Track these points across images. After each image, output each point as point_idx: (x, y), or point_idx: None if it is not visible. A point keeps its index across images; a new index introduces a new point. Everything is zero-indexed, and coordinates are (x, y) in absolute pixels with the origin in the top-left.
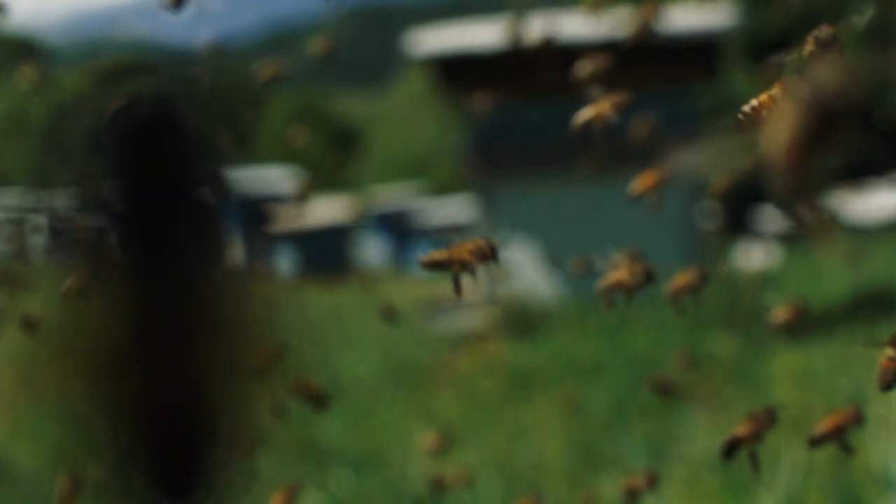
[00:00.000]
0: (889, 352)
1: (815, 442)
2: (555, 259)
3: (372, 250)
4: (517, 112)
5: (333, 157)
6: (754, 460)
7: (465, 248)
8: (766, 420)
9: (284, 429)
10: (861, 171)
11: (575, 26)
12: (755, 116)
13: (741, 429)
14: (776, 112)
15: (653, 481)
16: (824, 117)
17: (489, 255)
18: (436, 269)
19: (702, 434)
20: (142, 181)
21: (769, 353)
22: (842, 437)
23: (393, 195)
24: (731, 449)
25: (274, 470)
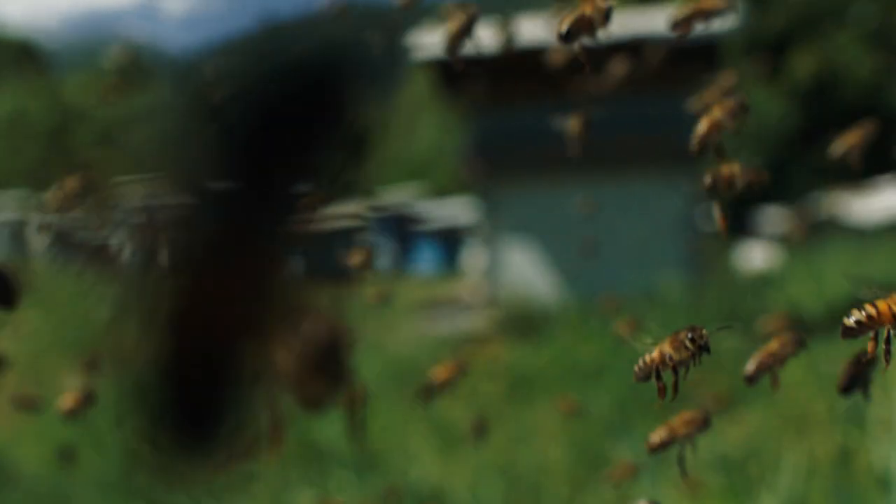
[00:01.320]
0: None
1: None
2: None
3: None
4: (518, 114)
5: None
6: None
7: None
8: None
9: (285, 431)
10: (861, 172)
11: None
12: (648, 369)
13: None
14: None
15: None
16: (318, 355)
17: (703, 424)
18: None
19: (703, 436)
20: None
21: None
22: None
23: (394, 197)
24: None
25: (274, 471)
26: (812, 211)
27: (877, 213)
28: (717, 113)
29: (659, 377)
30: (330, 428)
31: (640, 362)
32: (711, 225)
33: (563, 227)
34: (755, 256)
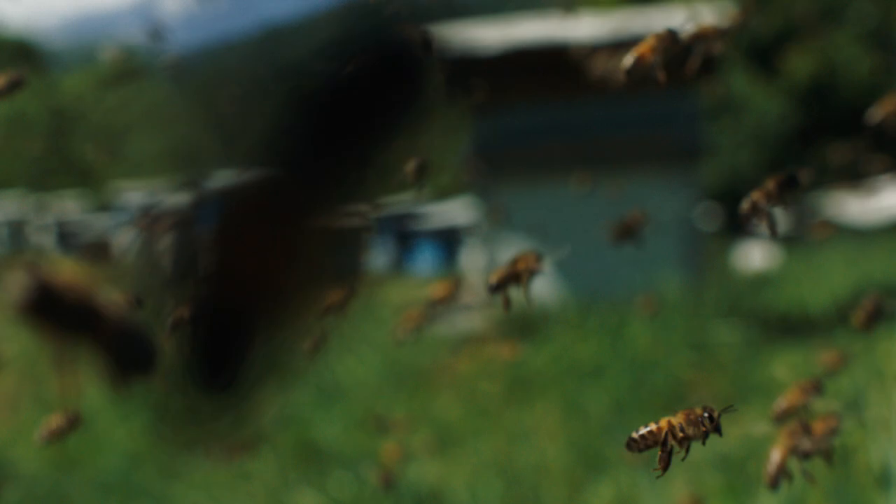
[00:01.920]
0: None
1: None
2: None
3: (374, 253)
4: (517, 114)
5: None
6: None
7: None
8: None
9: (284, 431)
10: (861, 172)
11: (574, 28)
12: (653, 438)
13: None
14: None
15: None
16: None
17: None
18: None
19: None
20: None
21: (769, 354)
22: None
23: (395, 198)
24: None
25: (273, 471)
26: (811, 211)
27: (876, 213)
28: (769, 185)
29: (665, 445)
30: (330, 428)
31: (644, 430)
32: (711, 225)
33: (561, 226)
34: (755, 256)
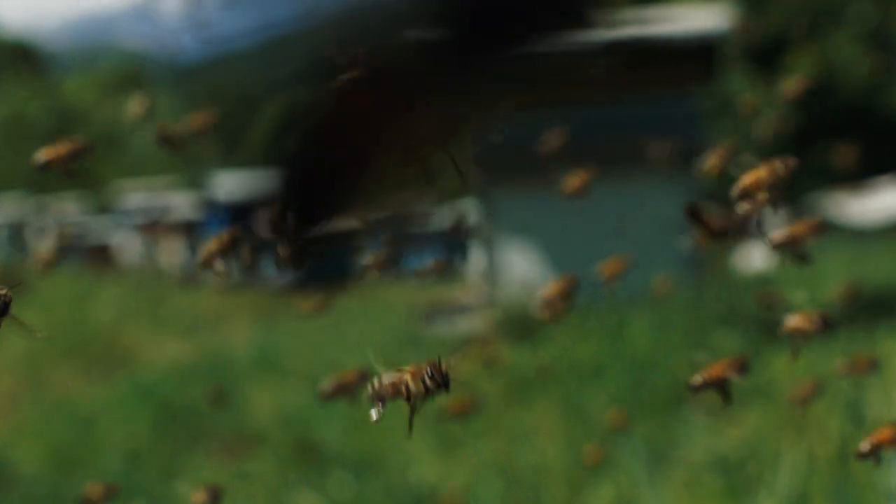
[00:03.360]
0: None
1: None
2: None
3: (375, 254)
4: (516, 116)
5: None
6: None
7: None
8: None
9: (284, 431)
10: (861, 172)
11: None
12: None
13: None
14: None
15: None
16: None
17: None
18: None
19: (702, 437)
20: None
21: (769, 355)
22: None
23: (398, 199)
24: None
25: (273, 472)
26: (811, 211)
27: (876, 213)
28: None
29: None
30: (330, 428)
31: (705, 376)
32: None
33: (561, 228)
34: (754, 257)
